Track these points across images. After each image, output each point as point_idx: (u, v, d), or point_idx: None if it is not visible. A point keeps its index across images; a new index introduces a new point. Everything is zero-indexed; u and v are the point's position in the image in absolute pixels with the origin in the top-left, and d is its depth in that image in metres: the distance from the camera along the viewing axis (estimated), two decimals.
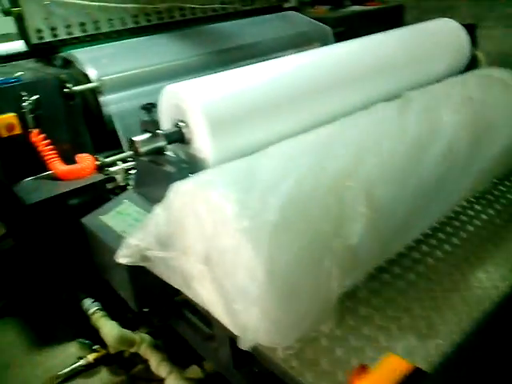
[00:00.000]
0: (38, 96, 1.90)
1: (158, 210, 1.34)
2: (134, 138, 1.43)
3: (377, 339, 1.19)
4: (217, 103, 1.45)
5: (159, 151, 1.47)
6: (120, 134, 2.06)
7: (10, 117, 1.83)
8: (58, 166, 1.93)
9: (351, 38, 3.07)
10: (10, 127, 1.82)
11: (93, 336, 1.99)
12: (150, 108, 1.42)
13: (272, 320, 1.10)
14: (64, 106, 2.00)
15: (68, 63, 2.23)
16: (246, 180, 1.27)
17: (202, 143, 1.46)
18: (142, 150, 1.42)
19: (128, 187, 1.76)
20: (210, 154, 1.45)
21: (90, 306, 1.94)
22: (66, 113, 2.02)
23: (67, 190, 1.85)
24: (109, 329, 1.82)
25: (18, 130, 1.85)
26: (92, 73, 2.10)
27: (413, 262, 1.43)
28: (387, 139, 1.41)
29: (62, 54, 2.22)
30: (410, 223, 1.38)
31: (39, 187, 1.90)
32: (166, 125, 1.55)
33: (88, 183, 1.89)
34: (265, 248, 1.07)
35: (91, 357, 2.04)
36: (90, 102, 2.14)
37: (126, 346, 1.84)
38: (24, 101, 1.87)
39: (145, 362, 1.88)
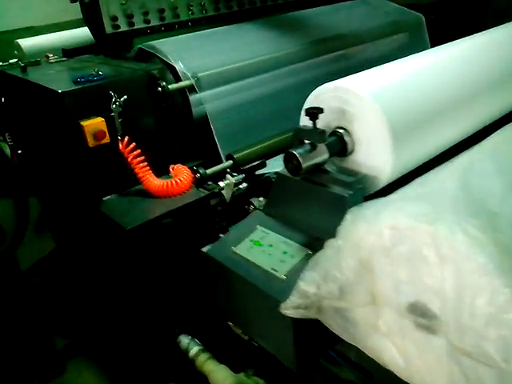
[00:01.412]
0: (126, 97, 1.57)
1: (335, 244, 1.02)
2: (294, 152, 1.11)
3: None
4: (396, 106, 1.13)
5: (317, 167, 1.14)
6: (216, 137, 1.74)
7: (99, 122, 1.51)
8: (151, 180, 1.60)
9: (441, 27, 2.77)
10: (98, 135, 1.50)
11: (193, 381, 1.67)
12: (315, 113, 1.09)
13: None
14: (156, 109, 1.67)
15: (147, 57, 1.90)
16: (465, 208, 0.95)
17: (373, 156, 1.14)
18: (305, 166, 1.10)
19: (251, 208, 1.43)
20: (385, 170, 1.13)
21: (191, 345, 1.63)
22: (158, 116, 1.69)
23: (168, 210, 1.53)
24: (222, 376, 1.50)
25: (107, 139, 1.52)
26: (181, 67, 1.77)
27: None
28: None
29: (141, 46, 1.88)
30: None
31: (132, 207, 1.57)
32: None
33: (190, 201, 1.57)
34: None
35: None
36: (177, 102, 1.81)
37: None
38: (112, 103, 1.54)
39: None
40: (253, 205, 1.44)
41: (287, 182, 1.23)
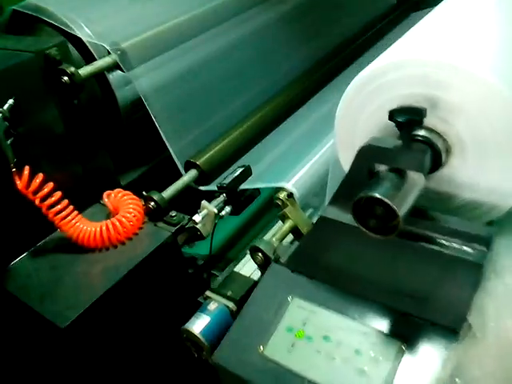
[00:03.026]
0: (12, 101, 0.93)
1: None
2: (377, 196, 0.59)
3: None
4: None
5: None
6: (160, 128, 1.16)
7: None
8: (79, 228, 1.01)
9: None
10: None
11: None
12: (415, 121, 0.58)
13: None
14: (64, 110, 1.04)
15: (29, 25, 1.22)
16: None
17: (496, 170, 0.66)
18: (403, 214, 0.59)
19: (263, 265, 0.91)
20: None
21: None
22: (69, 121, 1.06)
23: (118, 275, 0.97)
24: None
25: None
26: (90, 36, 1.13)
27: None
28: None
29: (16, 8, 1.19)
30: None
31: (58, 277, 0.99)
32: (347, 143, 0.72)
33: (148, 252, 1.01)
34: None
35: None
36: (93, 92, 1.19)
37: None
38: None
39: None
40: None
41: (343, 228, 0.72)
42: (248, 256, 1.09)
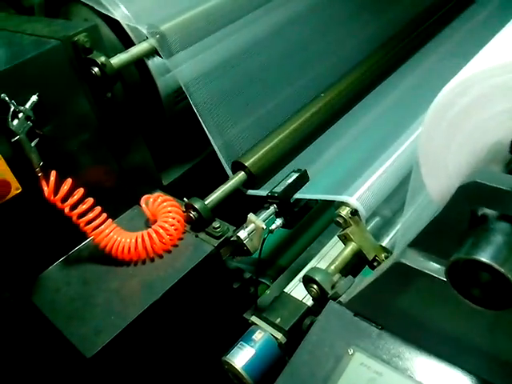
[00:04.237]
0: (37, 96, 0.82)
1: None
2: (486, 262, 0.42)
3: None
4: None
5: None
6: (203, 123, 1.01)
7: None
8: (113, 238, 0.90)
9: None
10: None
11: None
12: None
13: None
14: (96, 105, 0.92)
15: (62, 4, 1.10)
16: None
17: None
18: None
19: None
20: None
21: None
22: (102, 117, 0.94)
23: (154, 296, 0.85)
24: None
25: (15, 188, 0.79)
26: (128, 17, 0.99)
27: None
28: None
29: None
30: None
31: (88, 294, 0.89)
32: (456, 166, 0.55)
33: (189, 268, 0.89)
34: None
35: None
36: (130, 81, 1.05)
37: None
38: (11, 115, 0.79)
39: None
40: None
41: (427, 279, 0.56)
42: (302, 274, 0.95)
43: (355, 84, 1.20)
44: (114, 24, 1.01)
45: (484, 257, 0.43)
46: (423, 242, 0.55)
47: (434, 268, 0.55)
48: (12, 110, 0.80)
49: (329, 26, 1.33)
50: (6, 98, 0.79)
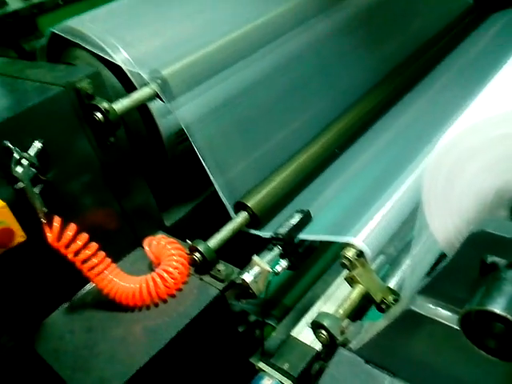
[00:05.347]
0: (41, 144, 0.82)
1: None
2: (499, 313, 0.42)
3: None
4: None
5: None
6: (204, 162, 1.01)
7: None
8: (117, 284, 0.89)
9: None
10: (1, 238, 0.75)
11: None
12: None
13: None
14: (99, 150, 0.92)
15: (65, 48, 1.12)
16: None
17: None
18: None
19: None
20: None
21: None
22: (105, 162, 0.94)
23: (160, 343, 0.84)
24: None
25: (20, 237, 0.78)
26: (130, 62, 1.00)
27: None
28: None
29: (54, 31, 1.09)
30: None
31: (93, 340, 0.87)
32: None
33: (194, 314, 0.88)
34: None
35: None
36: (133, 126, 1.06)
37: None
38: (15, 162, 0.79)
39: None
40: None
41: (439, 327, 0.55)
42: (308, 316, 0.93)
43: (355, 120, 1.22)
44: (115, 66, 1.02)
45: (497, 308, 0.42)
46: (434, 289, 0.55)
47: (446, 315, 0.55)
48: (16, 157, 0.80)
49: (326, 64, 1.35)
50: (10, 146, 0.79)
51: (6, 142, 0.79)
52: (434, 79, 1.42)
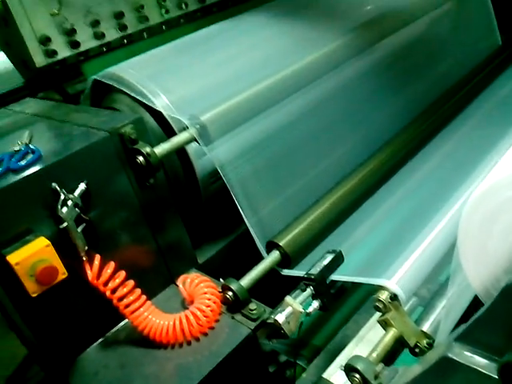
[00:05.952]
0: (85, 185, 0.86)
1: None
2: None
3: None
4: None
5: None
6: (238, 202, 1.04)
7: (42, 249, 0.80)
8: (151, 321, 0.91)
9: None
10: (45, 273, 0.80)
11: None
12: None
13: None
14: (139, 191, 0.97)
15: (107, 94, 1.18)
16: None
17: None
18: None
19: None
20: None
21: None
22: (144, 202, 0.98)
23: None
24: None
25: (61, 274, 0.81)
26: (170, 108, 1.05)
27: None
28: None
29: (97, 78, 1.16)
30: None
31: (127, 377, 0.88)
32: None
33: (226, 352, 0.89)
34: None
35: None
36: (172, 169, 1.11)
37: None
38: (61, 203, 0.83)
39: None
40: None
41: (478, 377, 0.55)
42: (340, 358, 0.93)
43: (386, 160, 1.23)
44: (153, 110, 1.08)
45: None
46: (471, 336, 0.55)
47: (483, 364, 0.55)
48: (62, 197, 0.84)
49: (356, 105, 1.38)
50: (58, 188, 0.84)
51: (54, 184, 0.84)
52: (464, 120, 1.43)
